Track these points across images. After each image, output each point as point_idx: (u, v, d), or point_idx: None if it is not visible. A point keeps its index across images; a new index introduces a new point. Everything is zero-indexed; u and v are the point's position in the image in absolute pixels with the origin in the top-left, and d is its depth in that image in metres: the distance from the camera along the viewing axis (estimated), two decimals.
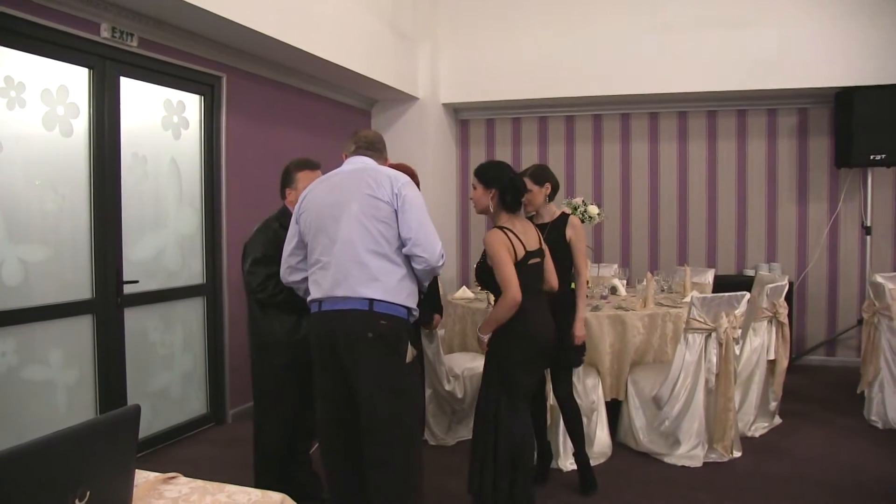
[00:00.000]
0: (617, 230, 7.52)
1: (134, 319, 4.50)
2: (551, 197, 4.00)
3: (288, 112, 5.95)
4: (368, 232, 2.91)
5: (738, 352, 4.49)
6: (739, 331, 4.40)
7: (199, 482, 1.86)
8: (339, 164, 3.23)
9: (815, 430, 4.94)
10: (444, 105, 7.52)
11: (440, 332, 4.60)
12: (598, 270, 5.95)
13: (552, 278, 3.61)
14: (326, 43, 5.45)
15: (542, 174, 3.96)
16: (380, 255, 2.91)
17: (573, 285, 3.93)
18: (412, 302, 3.01)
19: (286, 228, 3.47)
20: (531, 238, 3.45)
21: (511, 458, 3.37)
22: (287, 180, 3.67)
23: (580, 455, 3.95)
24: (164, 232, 4.78)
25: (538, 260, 3.46)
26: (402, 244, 2.94)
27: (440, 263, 2.98)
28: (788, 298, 6.69)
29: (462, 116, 7.94)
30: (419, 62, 7.20)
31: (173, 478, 1.88)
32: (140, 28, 4.38)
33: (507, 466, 3.37)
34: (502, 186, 3.39)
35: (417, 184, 3.71)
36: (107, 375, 4.28)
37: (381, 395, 2.90)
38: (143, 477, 1.84)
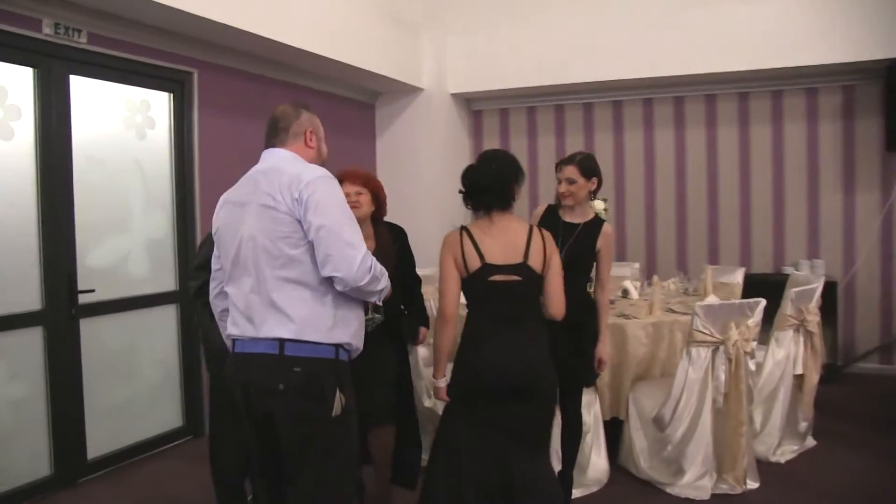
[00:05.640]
0: (641, 225, 6.97)
1: (94, 330, 4.27)
2: (595, 193, 3.46)
3: (274, 108, 5.59)
4: (269, 254, 2.35)
5: (753, 367, 3.94)
6: (754, 343, 3.86)
7: None
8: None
9: (856, 456, 4.31)
10: (454, 95, 7.12)
11: (420, 349, 4.15)
12: (613, 270, 5.44)
13: (552, 305, 2.86)
14: (304, 31, 5.06)
15: (591, 166, 3.37)
16: (289, 280, 2.34)
17: (591, 288, 3.48)
18: (344, 334, 2.41)
19: None
20: (511, 250, 2.79)
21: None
22: None
23: (566, 474, 3.55)
24: (128, 237, 4.53)
25: (515, 278, 2.76)
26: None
27: (365, 281, 2.31)
28: (833, 299, 6.04)
29: (475, 107, 7.57)
30: (423, 50, 6.77)
31: None
32: (90, 23, 4.11)
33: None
34: (466, 185, 2.85)
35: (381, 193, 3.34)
36: (60, 390, 4.06)
37: (301, 455, 2.39)
38: None
